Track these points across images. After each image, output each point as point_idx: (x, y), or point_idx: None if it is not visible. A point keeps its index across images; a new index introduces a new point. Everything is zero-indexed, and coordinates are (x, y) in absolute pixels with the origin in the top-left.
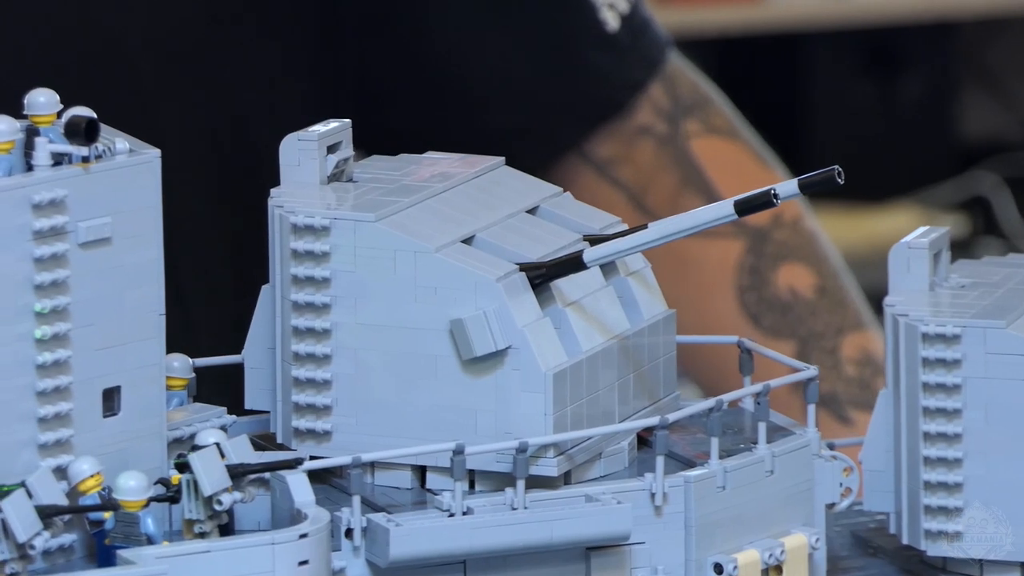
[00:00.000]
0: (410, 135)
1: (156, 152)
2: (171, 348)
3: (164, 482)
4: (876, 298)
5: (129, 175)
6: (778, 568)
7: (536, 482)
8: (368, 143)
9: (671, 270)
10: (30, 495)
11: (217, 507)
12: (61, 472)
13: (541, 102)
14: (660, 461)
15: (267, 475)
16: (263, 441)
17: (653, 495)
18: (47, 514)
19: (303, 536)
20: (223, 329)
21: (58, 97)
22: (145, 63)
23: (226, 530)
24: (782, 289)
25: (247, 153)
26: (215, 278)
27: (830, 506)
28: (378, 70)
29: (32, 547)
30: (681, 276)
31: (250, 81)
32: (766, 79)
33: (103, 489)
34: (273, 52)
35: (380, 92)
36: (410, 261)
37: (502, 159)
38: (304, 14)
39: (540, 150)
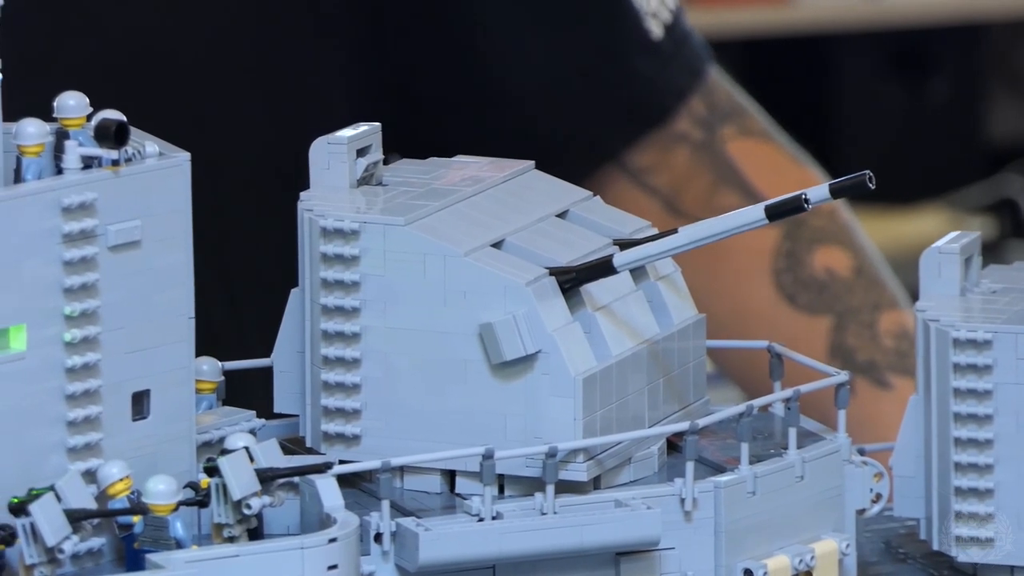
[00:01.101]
0: (452, 139)
1: (186, 155)
2: (223, 353)
3: (193, 486)
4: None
5: (159, 178)
6: (808, 574)
7: (566, 487)
8: (408, 147)
9: (705, 256)
10: (59, 499)
11: (246, 511)
12: (90, 476)
13: (586, 108)
14: (690, 466)
15: (296, 479)
16: (292, 445)
17: (683, 500)
18: (76, 518)
19: (332, 540)
20: (275, 333)
21: (88, 100)
22: (195, 67)
23: (255, 534)
24: (818, 270)
25: (293, 156)
26: (266, 281)
27: (860, 512)
28: (421, 73)
29: (61, 551)
30: (715, 261)
31: (299, 82)
32: (794, 81)
33: (132, 493)
34: (319, 55)
35: (422, 96)
36: (439, 265)
37: (532, 163)
38: (348, 17)
39: (584, 156)
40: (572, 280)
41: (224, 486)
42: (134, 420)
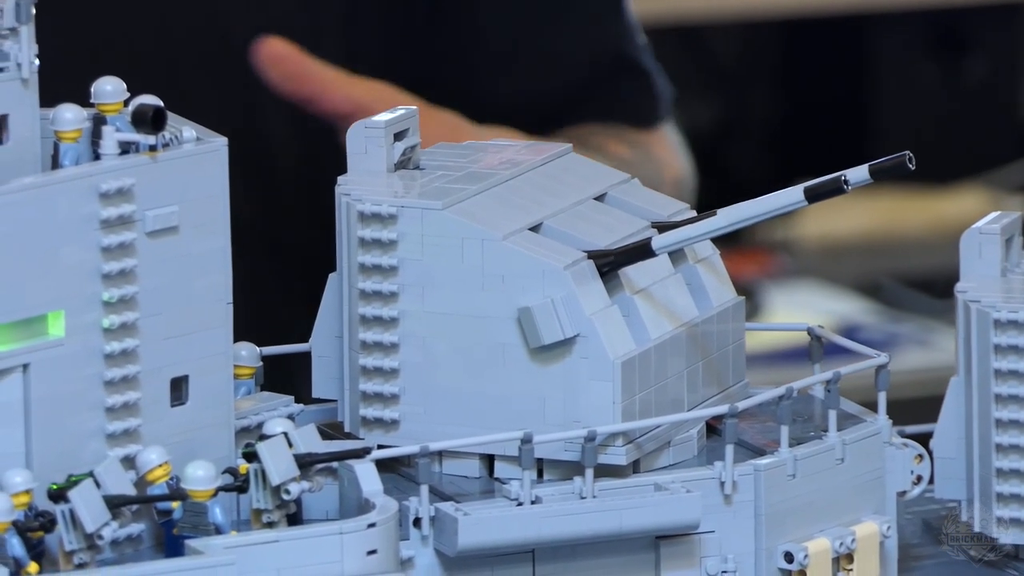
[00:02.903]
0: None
1: (223, 140)
2: (303, 338)
3: (232, 471)
4: (946, 282)
5: (196, 163)
6: (849, 556)
7: (605, 471)
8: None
9: None
10: (98, 485)
11: (285, 496)
12: (129, 462)
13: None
14: (729, 449)
15: (335, 464)
16: (331, 430)
17: (723, 484)
18: (115, 504)
19: (371, 526)
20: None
21: (125, 85)
22: (232, 53)
23: (294, 519)
24: None
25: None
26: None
27: (901, 494)
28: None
29: (100, 537)
30: None
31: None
32: (832, 61)
33: (171, 479)
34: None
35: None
36: (477, 249)
37: (569, 146)
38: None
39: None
40: (610, 263)
41: (263, 471)
42: (172, 406)
